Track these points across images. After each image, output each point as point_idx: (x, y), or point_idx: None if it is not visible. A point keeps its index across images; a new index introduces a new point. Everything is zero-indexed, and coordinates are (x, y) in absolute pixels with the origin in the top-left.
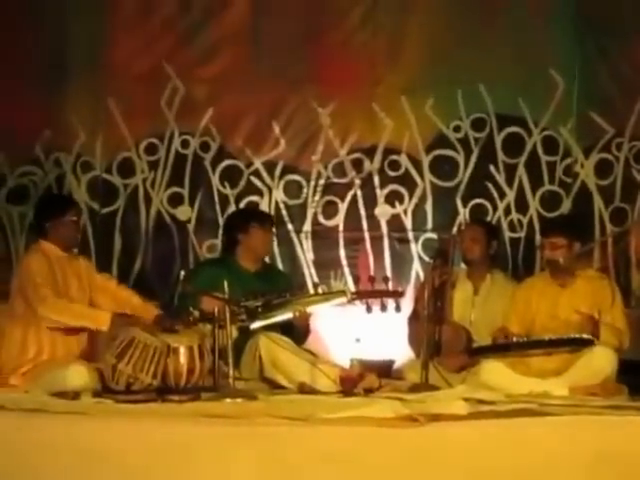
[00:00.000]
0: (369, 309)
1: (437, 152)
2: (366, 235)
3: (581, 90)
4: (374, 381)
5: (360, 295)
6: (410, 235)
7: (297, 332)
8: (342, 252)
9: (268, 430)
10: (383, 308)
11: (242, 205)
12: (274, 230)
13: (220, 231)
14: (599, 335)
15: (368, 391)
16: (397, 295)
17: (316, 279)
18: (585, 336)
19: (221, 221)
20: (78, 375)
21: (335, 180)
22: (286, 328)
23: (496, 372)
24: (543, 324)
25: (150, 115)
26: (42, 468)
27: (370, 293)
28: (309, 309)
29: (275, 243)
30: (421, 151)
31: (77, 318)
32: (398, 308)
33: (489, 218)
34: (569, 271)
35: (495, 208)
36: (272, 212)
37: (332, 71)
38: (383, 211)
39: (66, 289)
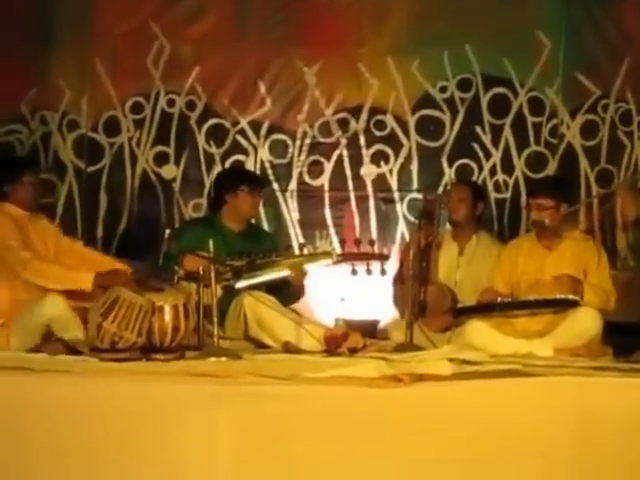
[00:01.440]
0: (354, 272)
1: (423, 112)
2: (352, 195)
3: (567, 51)
4: (359, 341)
5: (345, 257)
6: (396, 195)
7: (290, 291)
8: (328, 212)
9: (252, 389)
10: (369, 272)
11: (227, 164)
12: (262, 194)
13: (206, 190)
14: (583, 295)
15: (353, 351)
16: (382, 258)
17: (301, 239)
18: (570, 297)
19: (207, 180)
20: (54, 303)
21: (321, 140)
22: (276, 287)
23: (481, 332)
24: (529, 285)
25: (136, 74)
26: (25, 427)
27: (355, 255)
28: (305, 267)
29: (261, 203)
30: (407, 111)
31: (60, 281)
32: (383, 272)
33: (475, 179)
34: (555, 232)
35: (481, 169)
36: (258, 171)
37: (318, 31)
38: (369, 171)
39: (31, 249)
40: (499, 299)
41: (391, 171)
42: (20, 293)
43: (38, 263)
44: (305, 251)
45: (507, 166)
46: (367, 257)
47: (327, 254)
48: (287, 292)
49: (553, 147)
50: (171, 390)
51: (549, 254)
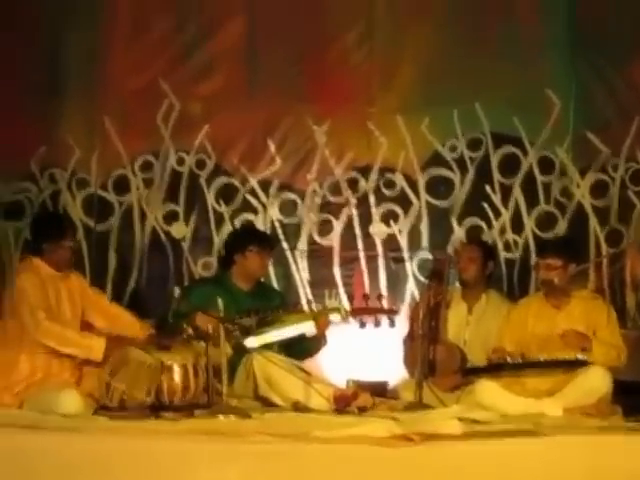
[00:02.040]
0: (362, 324)
1: (433, 171)
2: (361, 254)
3: (577, 110)
4: (368, 400)
5: (354, 312)
6: (405, 254)
7: (308, 343)
8: (337, 271)
9: (262, 448)
10: (377, 324)
11: (237, 223)
12: (271, 254)
13: (216, 249)
14: (591, 349)
15: (362, 410)
16: (391, 312)
17: (311, 298)
18: (580, 357)
19: (216, 239)
20: (71, 401)
21: (330, 199)
22: (292, 340)
23: (490, 392)
24: (538, 346)
25: (146, 132)
26: None
27: (364, 310)
28: (330, 317)
29: (270, 262)
30: (417, 170)
31: (71, 346)
32: (392, 323)
33: (484, 238)
34: (564, 292)
35: (490, 228)
36: (267, 230)
37: (328, 89)
38: (378, 230)
39: (58, 307)
40: (509, 359)
41: (401, 230)
42: (39, 355)
43: (51, 325)
44: (314, 308)
45: (517, 225)
46: (376, 311)
47: (336, 310)
48: (305, 344)
49: (563, 206)
50: (180, 448)
51: (558, 313)
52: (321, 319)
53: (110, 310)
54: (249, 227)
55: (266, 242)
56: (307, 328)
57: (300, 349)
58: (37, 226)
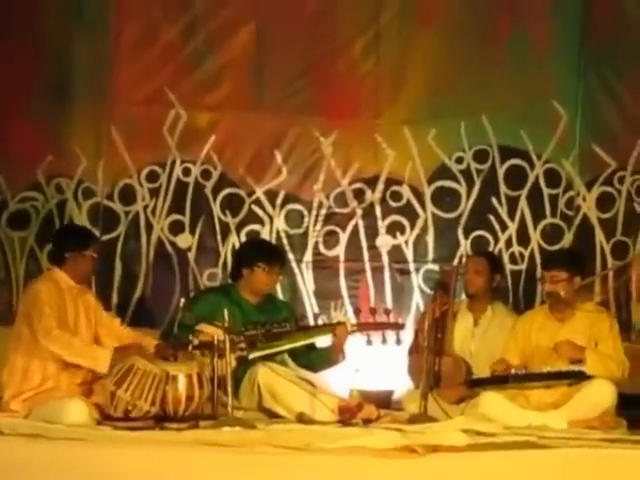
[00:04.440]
0: (369, 342)
1: (439, 183)
2: (367, 266)
3: (584, 123)
4: (373, 411)
5: (360, 327)
6: (411, 266)
7: (327, 354)
8: (343, 282)
9: (266, 459)
10: (384, 340)
11: (243, 234)
12: (280, 272)
13: (221, 260)
14: (585, 361)
15: (367, 421)
16: (397, 327)
17: (316, 309)
18: (583, 370)
19: (222, 250)
20: (78, 411)
21: (336, 210)
22: (302, 352)
23: (495, 404)
24: (542, 359)
25: (152, 142)
26: None
27: (370, 325)
28: (349, 325)
29: (278, 280)
30: (423, 182)
31: (77, 355)
32: (399, 341)
33: (490, 250)
34: (569, 304)
35: (496, 240)
36: (273, 241)
37: (334, 101)
38: (384, 242)
39: (74, 320)
40: (513, 371)
41: (407, 242)
42: (50, 365)
43: (60, 333)
44: (320, 321)
45: (523, 238)
46: (382, 326)
47: (342, 324)
48: (317, 356)
49: (569, 219)
50: (185, 459)
51: (562, 327)
52: (340, 331)
53: (122, 333)
54: (260, 242)
55: (276, 259)
56: (320, 341)
57: (313, 362)
58: (61, 236)
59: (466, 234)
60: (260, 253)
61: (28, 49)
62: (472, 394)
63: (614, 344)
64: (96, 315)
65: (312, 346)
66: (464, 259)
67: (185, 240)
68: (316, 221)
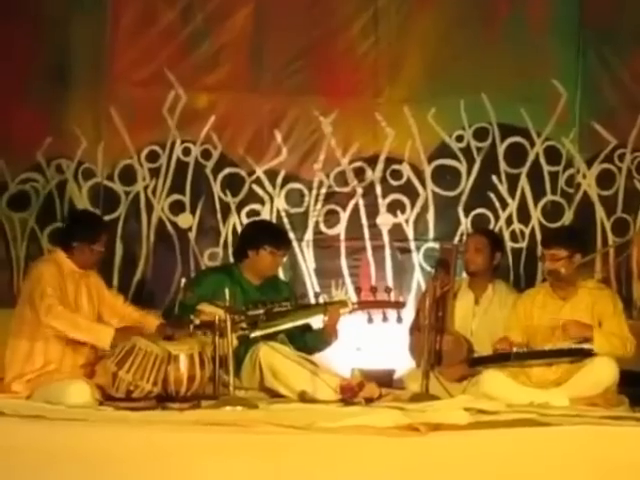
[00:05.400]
0: (370, 320)
1: (439, 161)
2: (368, 244)
3: (584, 101)
4: (374, 390)
5: (361, 306)
6: (412, 244)
7: (317, 337)
8: (344, 261)
9: (268, 438)
10: (385, 319)
11: (243, 213)
12: (285, 255)
13: (222, 239)
14: (592, 339)
15: (368, 400)
16: (398, 306)
17: (317, 288)
18: (585, 346)
19: (222, 229)
20: (80, 392)
21: (337, 189)
22: (299, 334)
23: (497, 382)
24: (544, 337)
25: (152, 123)
26: (42, 475)
27: (371, 303)
28: (341, 309)
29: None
30: (423, 160)
31: (80, 331)
32: (400, 319)
33: (491, 228)
34: (570, 282)
35: (497, 218)
36: (273, 220)
37: (334, 80)
38: (385, 220)
39: (77, 303)
40: (515, 349)
41: (407, 220)
42: (53, 347)
43: (61, 309)
44: (321, 300)
45: (523, 215)
46: (383, 305)
47: (343, 303)
48: (313, 337)
49: (569, 196)
50: (187, 439)
51: (564, 305)
52: (332, 312)
53: (125, 311)
54: (267, 224)
55: (282, 243)
56: (316, 320)
57: (309, 343)
58: (73, 223)
59: (466, 212)
60: (267, 236)
61: (27, 32)
62: (473, 372)
63: (618, 321)
64: (99, 294)
65: (308, 328)
66: (464, 237)
67: (186, 220)
68: (316, 200)
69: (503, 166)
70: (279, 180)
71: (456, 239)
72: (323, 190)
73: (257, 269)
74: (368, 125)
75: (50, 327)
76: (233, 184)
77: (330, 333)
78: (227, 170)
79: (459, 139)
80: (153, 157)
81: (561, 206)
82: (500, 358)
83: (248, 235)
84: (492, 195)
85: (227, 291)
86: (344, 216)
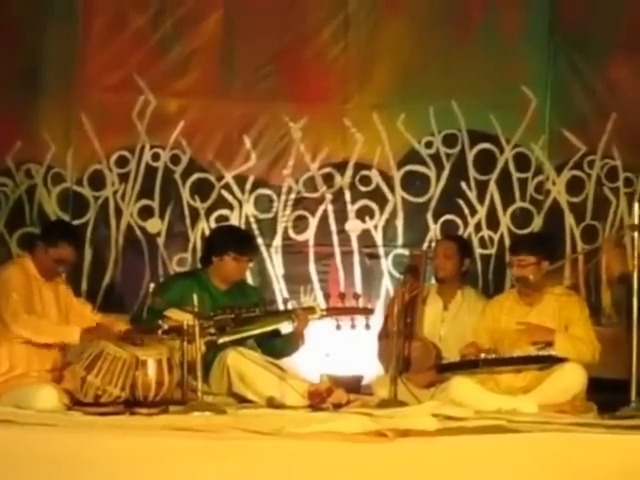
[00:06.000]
0: (339, 327)
1: (408, 167)
2: (336, 250)
3: (553, 107)
4: (343, 396)
5: (330, 312)
6: (381, 250)
7: (285, 342)
8: (312, 267)
9: (236, 444)
10: (353, 326)
11: (212, 219)
12: (251, 260)
13: (191, 245)
14: (553, 343)
15: (337, 406)
16: (367, 312)
17: (286, 294)
18: (553, 353)
19: (191, 235)
20: (48, 397)
21: (306, 195)
22: (268, 339)
23: (465, 388)
24: (512, 342)
25: (121, 128)
26: (10, 478)
27: (340, 310)
28: (310, 315)
29: (248, 269)
30: (392, 166)
31: (47, 335)
32: (368, 326)
33: (460, 234)
34: (537, 288)
35: (466, 224)
36: (242, 226)
37: (304, 86)
38: (354, 226)
39: (44, 309)
40: (482, 355)
41: (376, 226)
42: (19, 351)
43: (26, 317)
44: (289, 306)
45: (492, 222)
46: (352, 312)
47: (311, 309)
48: (282, 344)
49: (539, 203)
50: (155, 444)
51: (530, 311)
52: (300, 318)
53: (94, 319)
54: (231, 230)
55: (246, 248)
56: (284, 326)
57: (277, 348)
58: (47, 229)
59: (435, 218)
60: (231, 242)
61: None
62: (442, 378)
63: (584, 326)
64: (66, 302)
65: (277, 333)
66: (433, 243)
67: (154, 225)
68: (285, 206)
69: (472, 172)
70: (248, 186)
71: (425, 245)
72: (292, 196)
73: (222, 275)
74: (337, 131)
75: (16, 335)
76: (202, 189)
77: (298, 339)
78: (196, 175)
79: (428, 145)
80: (122, 162)
81: (530, 213)
82: (468, 365)
83: (212, 241)
84: (461, 201)
85: (195, 297)
86: (313, 222)
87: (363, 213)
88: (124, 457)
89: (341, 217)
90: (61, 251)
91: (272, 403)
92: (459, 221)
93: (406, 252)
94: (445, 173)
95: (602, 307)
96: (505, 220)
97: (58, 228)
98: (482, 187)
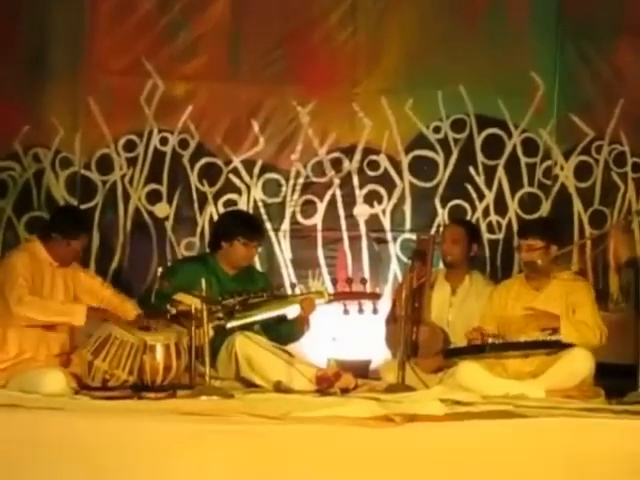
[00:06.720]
0: (346, 311)
1: (416, 152)
2: (344, 235)
3: (561, 93)
4: (350, 381)
5: (337, 297)
6: (388, 235)
7: (291, 327)
8: (320, 252)
9: (244, 428)
10: (360, 310)
11: (220, 203)
12: (259, 246)
13: (199, 229)
14: (559, 329)
15: (344, 391)
16: (374, 297)
17: (294, 279)
18: (561, 338)
19: (199, 219)
20: (56, 381)
21: (314, 179)
22: (274, 324)
23: (472, 373)
24: (518, 327)
25: (129, 112)
26: (17, 464)
27: (347, 295)
28: (316, 299)
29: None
30: (400, 151)
31: (51, 314)
32: (375, 311)
33: (467, 219)
34: (545, 273)
35: (474, 209)
36: (250, 210)
37: (312, 70)
38: (362, 211)
39: (52, 293)
40: (490, 340)
41: (384, 211)
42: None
43: (31, 298)
44: (297, 290)
45: (500, 207)
46: (359, 296)
47: (319, 294)
48: (288, 329)
49: (547, 188)
50: (162, 429)
51: (537, 295)
52: (307, 303)
53: (104, 293)
54: (240, 215)
55: (255, 234)
56: (291, 311)
57: (284, 334)
58: (58, 215)
59: (443, 203)
60: (240, 227)
61: (4, 20)
62: (450, 363)
63: (591, 311)
64: (74, 280)
65: (283, 318)
66: (441, 228)
67: (162, 209)
68: (293, 190)
69: (480, 157)
70: (256, 170)
71: (433, 230)
72: (300, 180)
73: (231, 260)
74: (345, 116)
75: (21, 317)
76: (210, 174)
77: (303, 323)
78: (204, 160)
79: (436, 130)
80: (130, 146)
81: (538, 198)
82: (475, 349)
83: (221, 226)
84: (469, 186)
85: (203, 281)
86: (321, 206)
87: (371, 198)
88: (131, 441)
89: (349, 202)
90: (83, 241)
91: (280, 388)
92: (467, 206)
93: (414, 237)
94: (453, 158)
95: (610, 292)
96: (513, 205)
97: (77, 220)
98: (490, 172)
